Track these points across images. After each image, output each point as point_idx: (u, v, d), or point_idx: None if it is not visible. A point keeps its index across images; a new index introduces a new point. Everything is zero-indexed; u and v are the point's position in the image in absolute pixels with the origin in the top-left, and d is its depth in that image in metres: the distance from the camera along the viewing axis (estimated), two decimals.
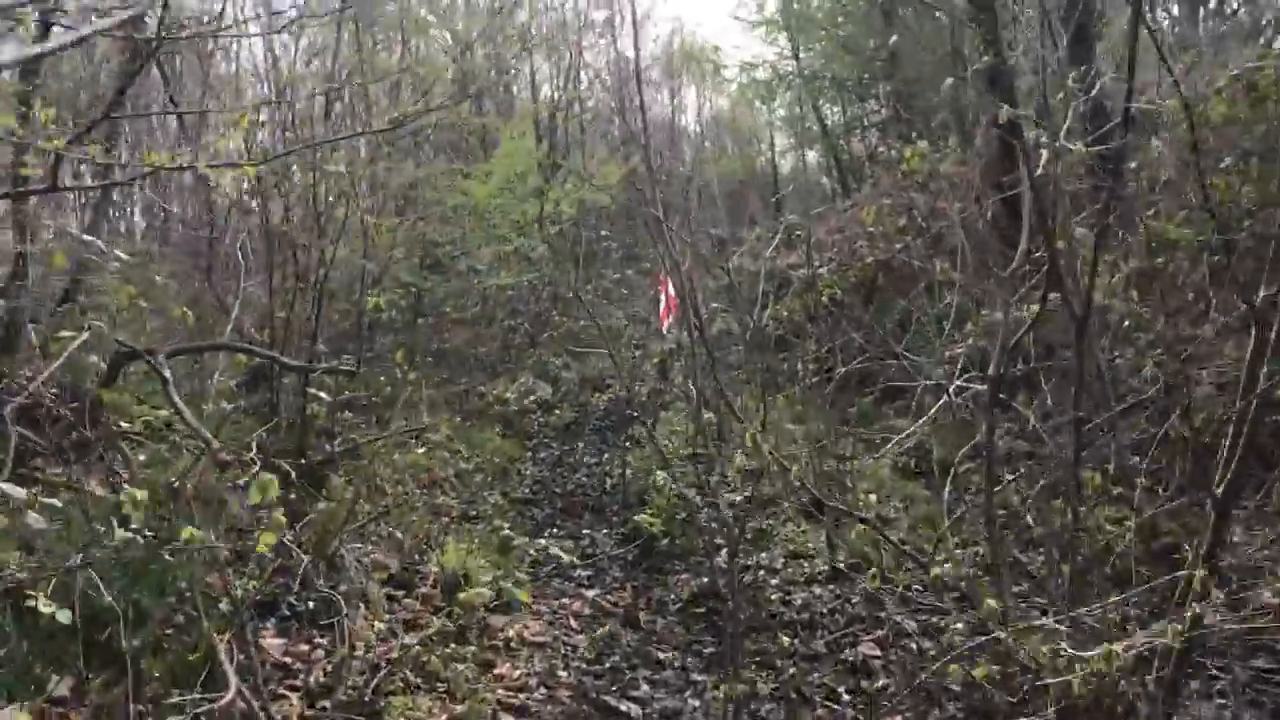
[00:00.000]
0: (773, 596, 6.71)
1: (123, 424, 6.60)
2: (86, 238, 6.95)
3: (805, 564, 7.33)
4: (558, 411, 13.13)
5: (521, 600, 5.73)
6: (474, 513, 8.42)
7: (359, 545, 6.31)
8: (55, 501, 4.11)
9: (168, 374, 5.22)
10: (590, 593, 6.82)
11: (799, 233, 17.26)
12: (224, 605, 4.72)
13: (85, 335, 4.21)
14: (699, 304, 10.85)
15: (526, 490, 9.64)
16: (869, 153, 23.49)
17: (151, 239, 17.99)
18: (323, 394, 6.53)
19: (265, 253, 7.57)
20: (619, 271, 21.37)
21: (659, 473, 9.35)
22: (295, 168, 7.68)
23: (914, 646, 5.79)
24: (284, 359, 6.03)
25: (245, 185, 7.38)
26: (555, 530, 8.43)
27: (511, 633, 5.96)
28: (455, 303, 13.37)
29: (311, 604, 5.19)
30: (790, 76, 24.93)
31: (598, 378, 15.33)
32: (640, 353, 17.30)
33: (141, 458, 6.07)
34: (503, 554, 7.23)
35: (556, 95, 25.58)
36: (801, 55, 24.34)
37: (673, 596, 6.80)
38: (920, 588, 6.62)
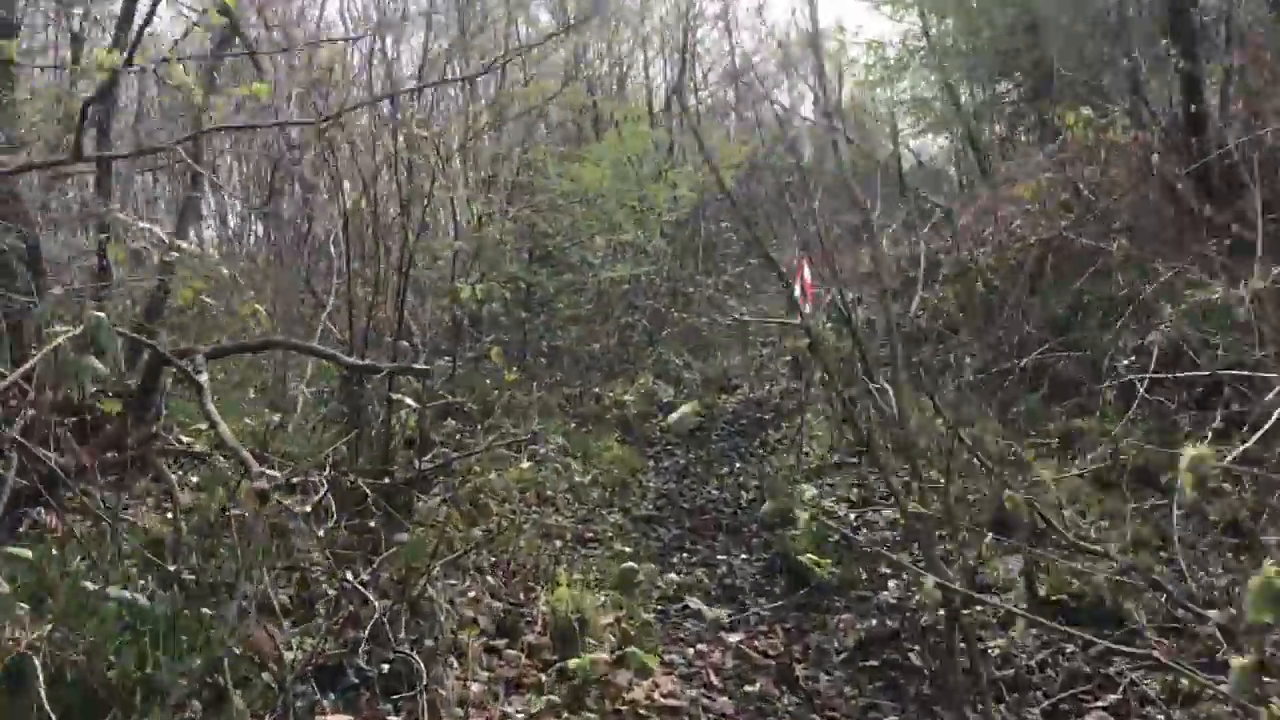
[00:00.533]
0: (963, 644, 5.35)
1: (182, 439, 5.64)
2: (148, 228, 6.02)
3: (995, 600, 5.94)
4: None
5: (651, 666, 4.51)
6: (590, 534, 7.26)
7: (453, 582, 5.20)
8: (23, 551, 3.08)
9: (203, 379, 4.20)
10: (733, 638, 5.56)
11: (942, 215, 15.74)
12: (268, 676, 3.65)
13: (74, 331, 3.20)
14: (845, 291, 9.54)
15: (650, 506, 8.44)
16: (1005, 135, 21.66)
17: (250, 244, 17.49)
18: (409, 400, 5.45)
19: (345, 238, 6.55)
20: (740, 264, 20.12)
21: (804, 486, 8.06)
22: (384, 139, 6.65)
23: None
24: (346, 358, 4.96)
25: (333, 157, 6.39)
26: (685, 555, 7.20)
27: (639, 693, 4.75)
28: (567, 298, 12.29)
29: (388, 665, 4.07)
30: (920, 54, 23.15)
31: (722, 377, 14.10)
32: (768, 350, 16.01)
33: (195, 479, 5.09)
34: (625, 589, 6.04)
35: (670, 85, 24.45)
36: (932, 32, 22.61)
37: (835, 644, 5.49)
38: (1160, 636, 5.20)
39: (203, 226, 19.99)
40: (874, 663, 5.21)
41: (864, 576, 6.34)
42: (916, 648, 5.31)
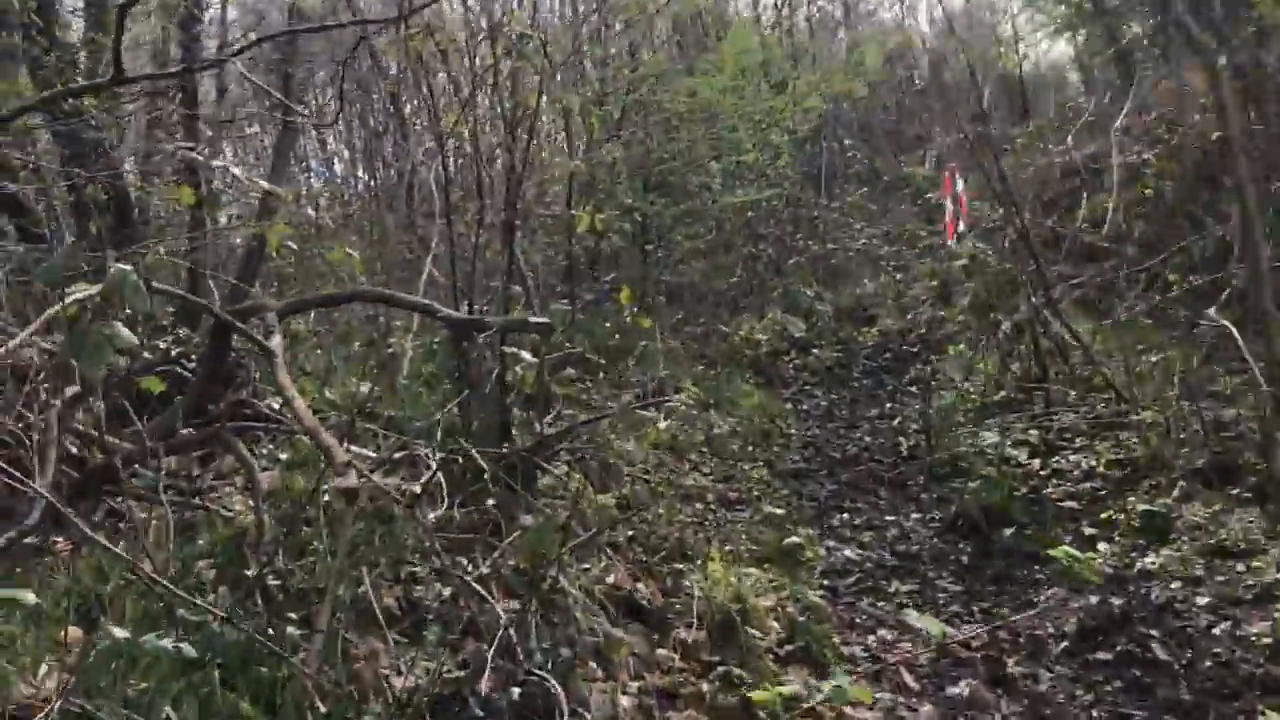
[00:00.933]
0: (1213, 629, 4.34)
1: (273, 406, 4.93)
2: (231, 171, 5.30)
3: (1239, 566, 4.88)
4: (816, 351, 10.93)
5: (865, 699, 3.59)
6: (735, 494, 6.39)
7: (587, 566, 4.40)
8: (24, 594, 2.33)
9: (275, 342, 3.42)
10: (920, 624, 4.64)
11: (1093, 119, 14.20)
12: (372, 715, 2.89)
13: (90, 291, 2.45)
14: (1016, 198, 8.37)
15: (796, 458, 7.52)
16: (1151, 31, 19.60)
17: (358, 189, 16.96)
18: (525, 354, 4.62)
19: (442, 168, 5.72)
20: (866, 184, 18.80)
21: (978, 431, 7.03)
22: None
23: None
24: (446, 311, 4.11)
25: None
26: (844, 515, 6.28)
27: (821, 703, 3.89)
28: (686, 230, 11.32)
29: (520, 690, 3.29)
30: None
31: (855, 307, 13.00)
32: (902, 276, 14.81)
33: (283, 457, 4.36)
34: (783, 562, 5.17)
35: None
36: None
37: (1049, 629, 4.53)
38: None
39: (310, 173, 19.74)
40: (1104, 655, 4.23)
41: (1068, 539, 5.33)
42: (1155, 633, 4.32)
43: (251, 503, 3.57)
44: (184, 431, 3.80)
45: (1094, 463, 6.16)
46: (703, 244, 11.96)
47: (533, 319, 3.82)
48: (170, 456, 3.71)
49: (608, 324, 8.72)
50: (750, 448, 7.31)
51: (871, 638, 4.57)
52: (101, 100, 6.97)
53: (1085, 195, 10.55)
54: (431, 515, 3.89)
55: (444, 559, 3.56)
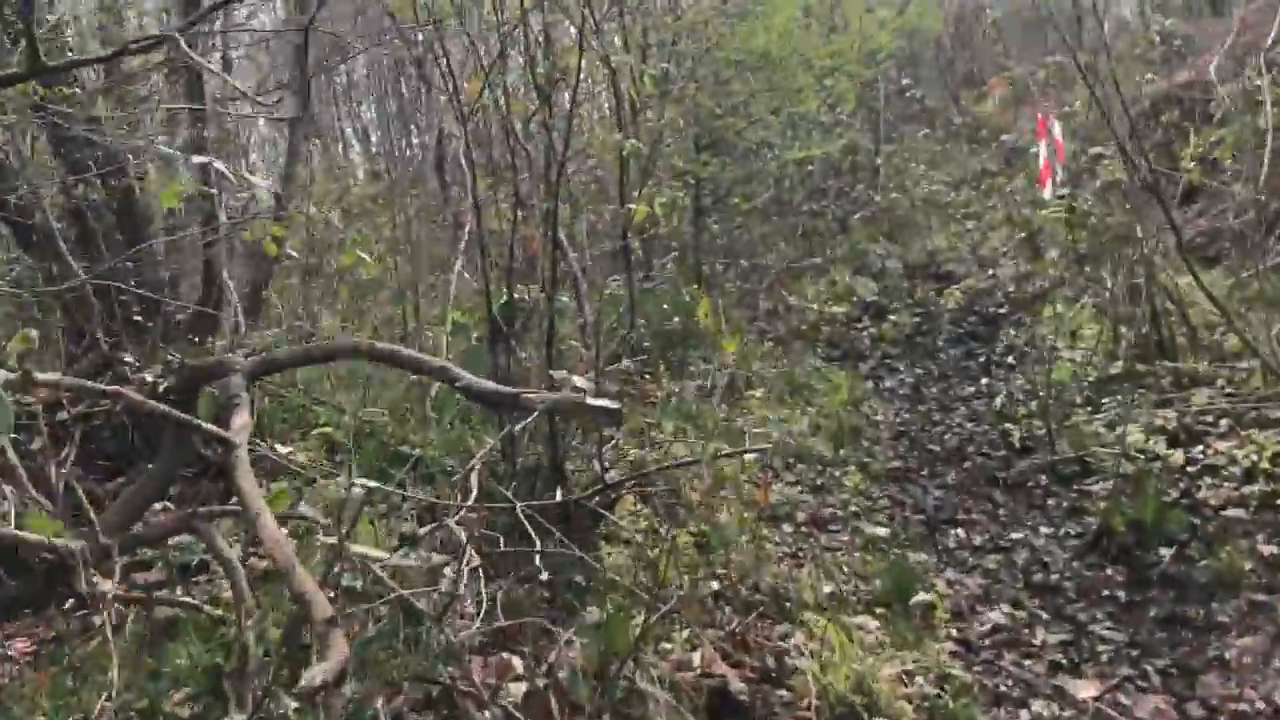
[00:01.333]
0: None
1: (278, 448, 4.09)
2: (218, 167, 4.41)
3: None
4: (893, 317, 9.90)
5: None
6: (828, 509, 5.47)
7: (667, 645, 3.52)
8: None
9: (238, 426, 2.55)
10: (1084, 691, 3.71)
11: (1179, 43, 12.89)
12: None
13: None
14: (1132, 136, 7.26)
15: (889, 454, 6.56)
16: None
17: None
18: (576, 380, 3.70)
19: (466, 141, 4.81)
20: (929, 128, 17.56)
21: (1108, 418, 6.04)
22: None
23: None
24: (464, 379, 3.07)
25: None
26: (960, 533, 5.33)
27: None
28: (743, 191, 10.30)
29: None
30: None
31: (929, 263, 11.93)
32: (975, 224, 13.68)
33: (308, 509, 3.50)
34: (901, 607, 4.26)
35: None
36: None
37: (1257, 702, 3.58)
38: None
39: (348, 148, 18.94)
40: None
41: (1249, 568, 4.35)
42: None
43: (235, 614, 2.71)
44: (150, 519, 2.96)
45: (1255, 457, 5.14)
46: (761, 204, 10.94)
47: (592, 402, 2.85)
48: (130, 553, 2.88)
49: (665, 306, 7.78)
50: (837, 445, 6.36)
51: (1026, 714, 3.66)
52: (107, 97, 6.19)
53: (1192, 130, 9.35)
54: (463, 608, 3.04)
55: (480, 683, 2.69)
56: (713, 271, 10.09)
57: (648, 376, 6.88)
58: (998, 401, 7.13)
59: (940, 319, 9.74)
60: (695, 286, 9.09)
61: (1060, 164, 8.32)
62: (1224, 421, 5.70)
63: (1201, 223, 9.17)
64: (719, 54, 8.99)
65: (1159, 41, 12.95)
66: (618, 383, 6.54)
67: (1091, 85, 7.61)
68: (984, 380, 7.89)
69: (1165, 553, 4.62)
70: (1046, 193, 8.42)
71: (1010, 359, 8.17)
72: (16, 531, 2.69)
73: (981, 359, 8.49)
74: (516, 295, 4.84)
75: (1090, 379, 7.03)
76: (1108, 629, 4.18)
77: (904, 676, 3.72)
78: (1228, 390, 6.16)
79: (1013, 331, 8.83)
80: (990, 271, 10.95)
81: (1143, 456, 5.54)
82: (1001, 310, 9.54)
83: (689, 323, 7.91)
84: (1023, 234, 10.55)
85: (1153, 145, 10.25)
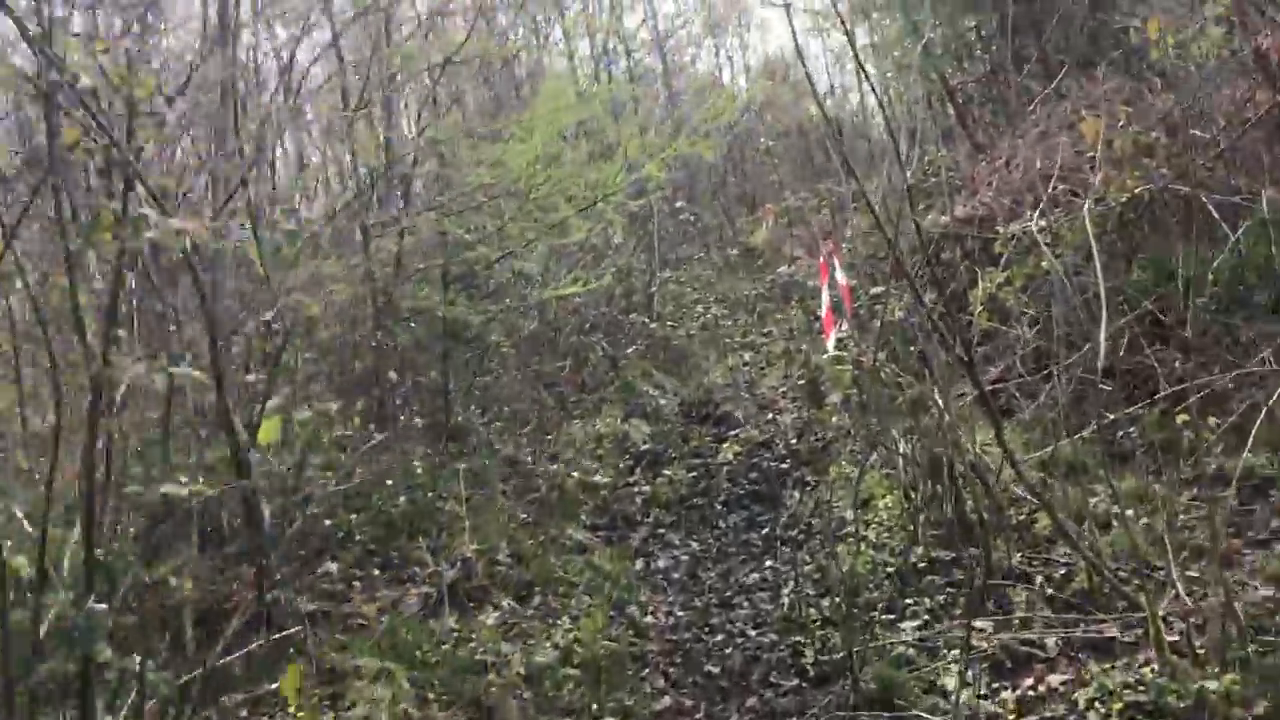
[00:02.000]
0: None
1: None
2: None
3: None
4: (667, 472, 8.82)
5: None
6: None
7: None
8: None
9: None
10: None
11: (953, 177, 12.77)
12: None
13: None
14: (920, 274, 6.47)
15: (659, 685, 5.28)
16: (984, 75, 18.48)
17: None
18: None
19: None
20: (704, 250, 17.08)
21: (911, 636, 5.03)
22: None
23: None
24: None
25: None
26: None
27: None
28: (503, 324, 9.07)
29: None
30: None
31: (706, 401, 11.01)
32: (751, 355, 12.99)
33: None
34: None
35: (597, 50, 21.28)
36: None
37: None
38: None
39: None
40: None
41: None
42: None
43: None
44: None
45: (1101, 706, 4.19)
46: (523, 343, 9.75)
47: None
48: None
49: (389, 482, 6.38)
50: (596, 682, 5.04)
51: None
52: None
53: (978, 270, 8.86)
54: None
55: None
56: (467, 423, 8.76)
57: (357, 584, 5.43)
58: (785, 597, 6.06)
59: (718, 475, 8.73)
60: (442, 445, 7.75)
61: (848, 310, 7.52)
62: (1052, 641, 4.79)
63: (991, 370, 8.62)
64: (469, 178, 7.83)
65: (930, 174, 12.81)
66: (316, 596, 5.08)
67: (879, 219, 6.87)
68: (769, 562, 6.83)
69: None
70: (830, 344, 7.59)
71: (797, 532, 7.18)
72: None
73: (765, 528, 7.48)
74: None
75: (890, 568, 6.09)
76: None
77: None
78: (1049, 592, 5.31)
79: (797, 495, 7.90)
80: (770, 415, 10.12)
81: (964, 694, 4.52)
82: (784, 465, 8.62)
83: (424, 498, 6.55)
84: (802, 377, 9.79)
85: (936, 285, 9.77)
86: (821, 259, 7.83)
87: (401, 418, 8.65)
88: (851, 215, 13.86)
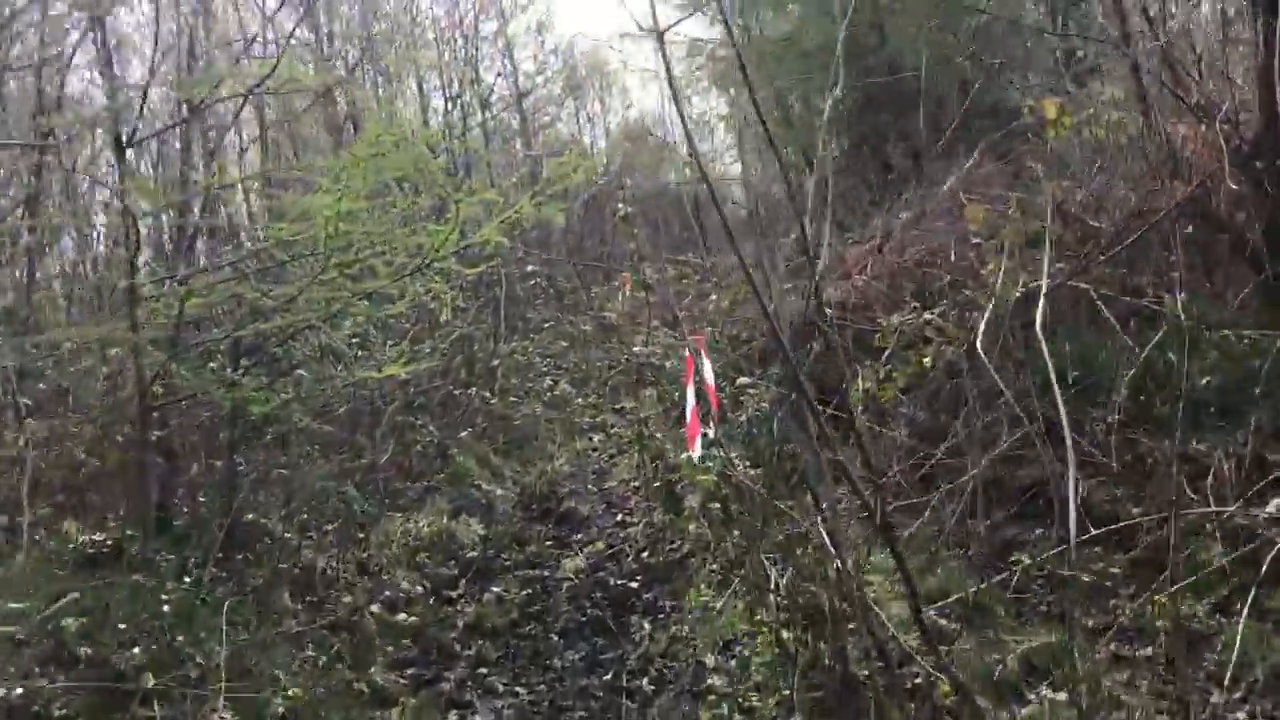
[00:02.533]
0: None
1: None
2: None
3: None
4: (497, 588, 7.49)
5: None
6: None
7: None
8: None
9: None
10: None
11: (818, 259, 11.93)
12: None
13: None
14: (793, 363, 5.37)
15: None
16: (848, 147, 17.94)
17: None
18: None
19: None
20: (558, 314, 15.91)
21: None
22: None
23: None
24: None
25: None
26: None
27: None
28: (309, 406, 7.59)
29: None
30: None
31: (548, 494, 9.74)
32: (601, 439, 11.82)
33: None
34: None
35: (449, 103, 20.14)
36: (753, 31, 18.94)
37: None
38: None
39: None
40: None
41: None
42: None
43: None
44: None
45: None
46: (335, 425, 8.29)
47: None
48: None
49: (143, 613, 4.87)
50: None
51: None
52: None
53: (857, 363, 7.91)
54: None
55: None
56: (258, 525, 7.24)
57: None
58: None
59: (557, 594, 7.44)
60: (207, 561, 6.23)
61: (714, 413, 6.39)
62: None
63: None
64: (267, 231, 6.42)
65: (796, 252, 11.92)
66: None
67: (759, 296, 5.78)
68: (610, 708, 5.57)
69: None
70: (695, 451, 6.43)
71: (647, 680, 5.94)
72: None
73: (609, 671, 6.21)
74: None
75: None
76: None
77: None
78: None
79: (647, 626, 6.66)
80: (619, 516, 8.93)
81: None
82: (634, 585, 7.39)
83: (169, 643, 5.05)
84: (657, 477, 8.61)
85: (811, 377, 8.78)
86: (686, 352, 6.70)
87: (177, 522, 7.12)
88: (713, 291, 12.93)
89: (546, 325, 15.40)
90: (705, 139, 26.33)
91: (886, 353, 7.28)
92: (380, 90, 18.76)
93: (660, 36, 3.82)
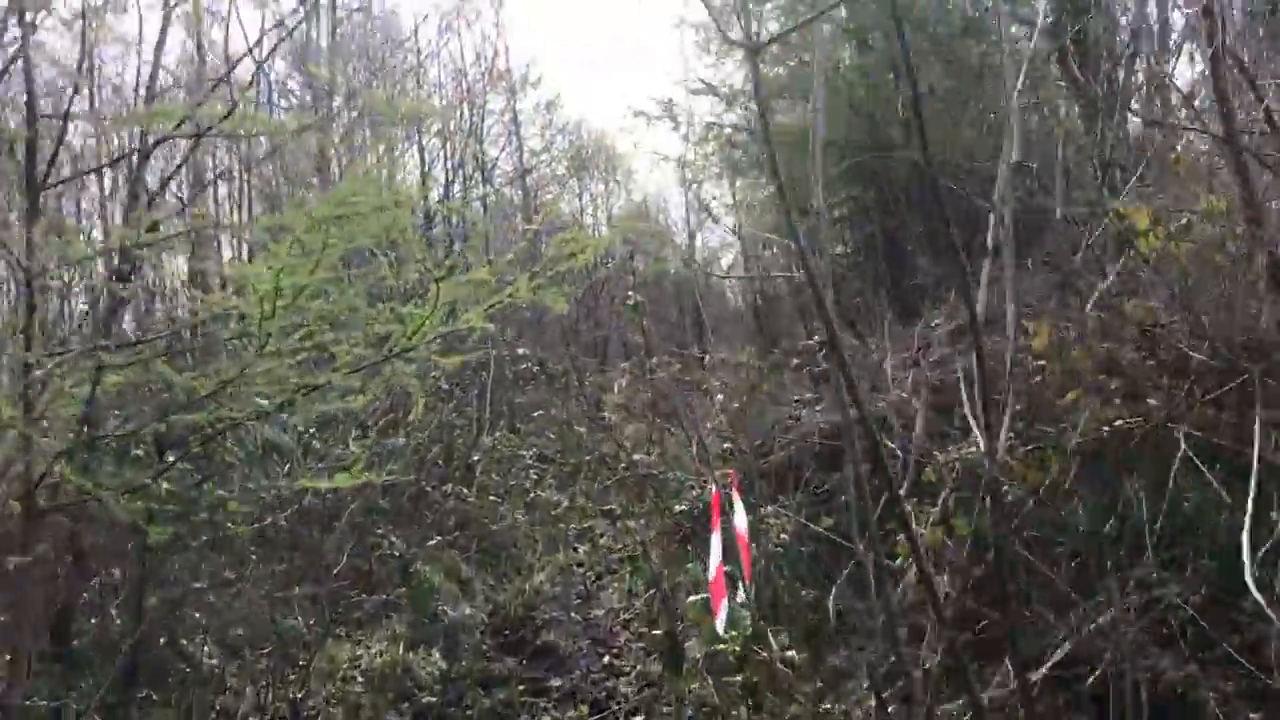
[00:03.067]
0: None
1: None
2: None
3: None
4: None
5: None
6: None
7: None
8: None
9: None
10: None
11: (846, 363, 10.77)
12: None
13: None
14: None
15: None
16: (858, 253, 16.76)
17: None
18: None
19: None
20: (545, 399, 14.63)
21: None
22: None
23: None
24: None
25: None
26: None
27: None
28: (237, 518, 6.31)
29: None
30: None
31: (525, 618, 8.41)
32: (590, 551, 10.52)
33: None
34: None
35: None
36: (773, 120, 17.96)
37: None
38: None
39: None
40: None
41: None
42: None
43: None
44: None
45: None
46: (275, 531, 6.97)
47: None
48: None
49: None
50: None
51: None
52: None
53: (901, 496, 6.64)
54: None
55: None
56: (171, 657, 5.90)
57: None
58: None
59: None
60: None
61: (745, 575, 5.09)
62: None
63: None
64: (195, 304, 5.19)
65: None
66: None
67: (845, 399, 4.43)
68: None
69: None
70: (720, 619, 5.08)
71: None
72: None
73: None
74: None
75: None
76: None
77: None
78: None
79: None
80: (605, 658, 7.58)
81: None
82: None
83: None
84: (653, 613, 7.29)
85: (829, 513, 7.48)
86: (714, 489, 5.41)
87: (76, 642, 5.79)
88: (716, 391, 11.68)
89: (536, 414, 14.13)
90: (712, 230, 25.52)
91: (946, 491, 6.03)
92: (380, 154, 17.79)
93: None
